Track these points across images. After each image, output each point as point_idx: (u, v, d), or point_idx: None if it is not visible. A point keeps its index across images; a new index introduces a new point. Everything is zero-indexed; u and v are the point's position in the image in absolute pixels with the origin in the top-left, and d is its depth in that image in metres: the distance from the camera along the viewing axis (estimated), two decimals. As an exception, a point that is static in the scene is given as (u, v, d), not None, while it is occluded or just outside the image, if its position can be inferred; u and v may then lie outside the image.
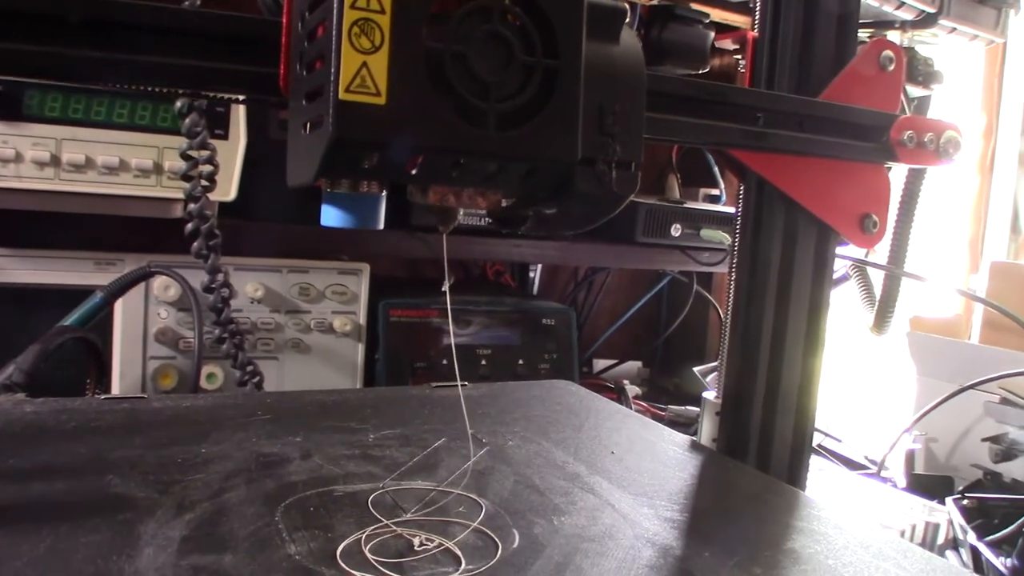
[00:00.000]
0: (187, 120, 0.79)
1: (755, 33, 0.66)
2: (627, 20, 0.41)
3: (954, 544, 0.85)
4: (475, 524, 0.46)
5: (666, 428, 0.71)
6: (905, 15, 1.06)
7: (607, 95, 0.40)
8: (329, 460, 0.55)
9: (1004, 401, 1.10)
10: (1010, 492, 1.00)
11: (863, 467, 1.13)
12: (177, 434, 0.58)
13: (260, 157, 0.92)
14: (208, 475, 0.51)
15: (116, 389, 0.93)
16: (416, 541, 0.43)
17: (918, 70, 1.16)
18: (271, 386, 0.96)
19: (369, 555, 0.41)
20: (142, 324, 0.94)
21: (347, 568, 0.40)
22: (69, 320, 0.83)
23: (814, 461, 1.07)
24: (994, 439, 1.08)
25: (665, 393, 1.49)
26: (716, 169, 1.52)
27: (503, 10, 0.37)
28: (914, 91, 1.16)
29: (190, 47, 0.40)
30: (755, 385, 0.66)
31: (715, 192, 1.52)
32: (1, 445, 0.53)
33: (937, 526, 0.84)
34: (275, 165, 0.47)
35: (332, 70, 0.33)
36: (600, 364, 1.57)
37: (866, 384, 1.34)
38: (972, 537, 0.83)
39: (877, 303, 0.84)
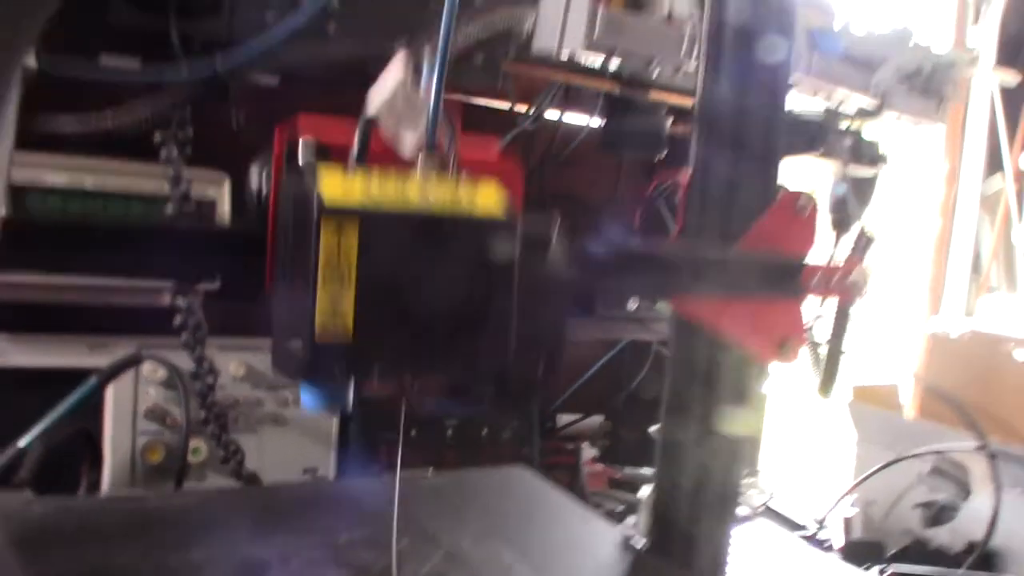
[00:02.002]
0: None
1: (687, 177, 0.74)
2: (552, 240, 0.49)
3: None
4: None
5: (604, 523, 0.79)
6: (851, 111, 1.16)
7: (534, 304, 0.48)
8: (306, 564, 0.63)
9: (935, 471, 1.19)
10: (934, 560, 1.08)
11: (804, 527, 1.22)
12: (170, 537, 0.66)
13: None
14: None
15: (107, 463, 0.99)
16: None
17: (863, 153, 1.26)
18: (251, 458, 1.03)
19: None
20: (132, 402, 1.01)
21: None
22: (66, 405, 0.90)
23: (757, 523, 1.15)
24: (925, 505, 1.17)
25: (626, 448, 1.55)
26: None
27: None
28: (861, 171, 1.26)
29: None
30: (682, 479, 0.73)
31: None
32: (17, 551, 0.61)
33: (863, 598, 0.91)
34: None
35: (309, 309, 0.41)
36: (565, 418, 1.63)
37: (811, 449, 1.42)
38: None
39: (822, 370, 0.93)
